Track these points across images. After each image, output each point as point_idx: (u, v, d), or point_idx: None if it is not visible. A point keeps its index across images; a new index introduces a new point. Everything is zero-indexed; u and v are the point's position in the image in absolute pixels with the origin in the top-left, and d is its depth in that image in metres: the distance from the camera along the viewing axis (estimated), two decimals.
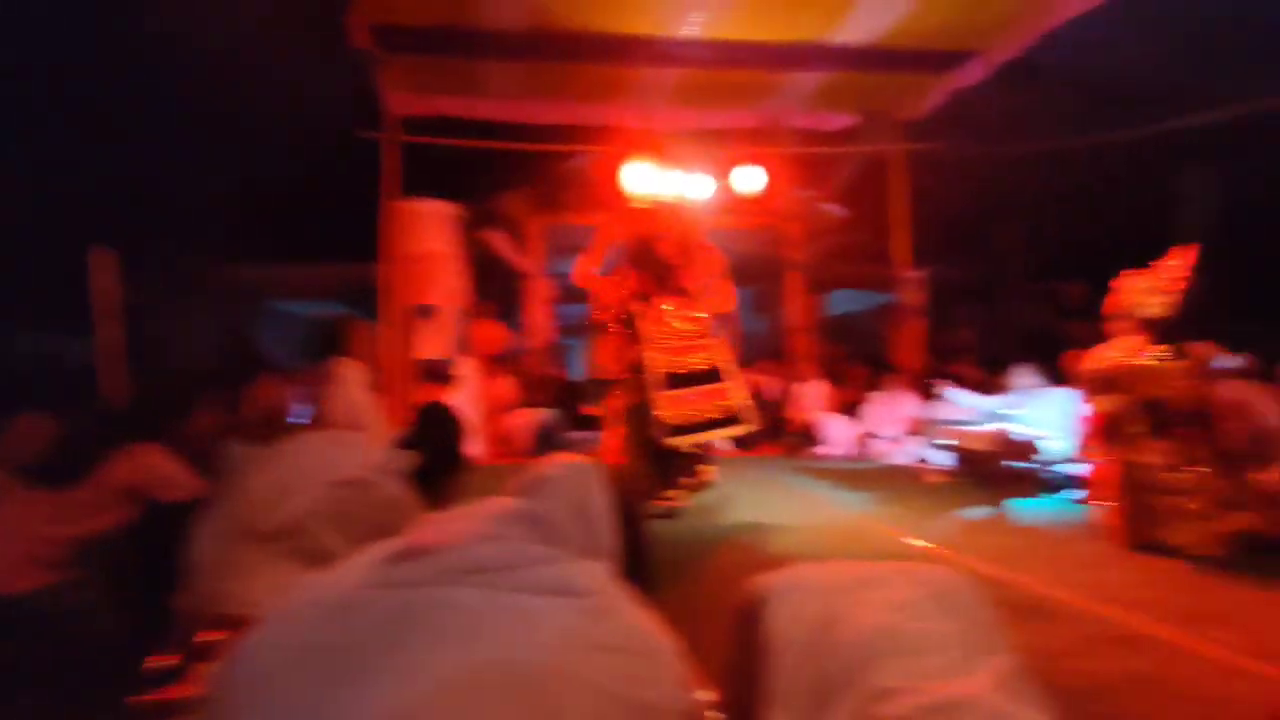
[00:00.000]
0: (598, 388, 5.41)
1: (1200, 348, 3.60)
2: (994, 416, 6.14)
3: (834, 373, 9.22)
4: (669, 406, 4.44)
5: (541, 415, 7.27)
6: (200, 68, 6.95)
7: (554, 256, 8.08)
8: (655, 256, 4.79)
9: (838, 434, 7.69)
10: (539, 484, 1.07)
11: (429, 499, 2.10)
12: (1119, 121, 7.47)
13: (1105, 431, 3.67)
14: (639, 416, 4.52)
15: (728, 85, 7.34)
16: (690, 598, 2.94)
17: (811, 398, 8.26)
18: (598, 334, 5.03)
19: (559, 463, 1.13)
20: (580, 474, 1.10)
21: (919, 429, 7.16)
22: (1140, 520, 3.50)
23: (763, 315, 12.20)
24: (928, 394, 7.46)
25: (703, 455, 4.68)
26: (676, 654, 0.91)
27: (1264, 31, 6.64)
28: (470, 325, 7.56)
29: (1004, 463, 5.39)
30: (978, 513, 4.63)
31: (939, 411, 6.95)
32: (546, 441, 6.66)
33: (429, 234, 7.01)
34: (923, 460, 6.81)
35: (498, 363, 7.70)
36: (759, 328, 12.88)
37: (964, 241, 11.17)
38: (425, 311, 6.97)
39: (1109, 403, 3.66)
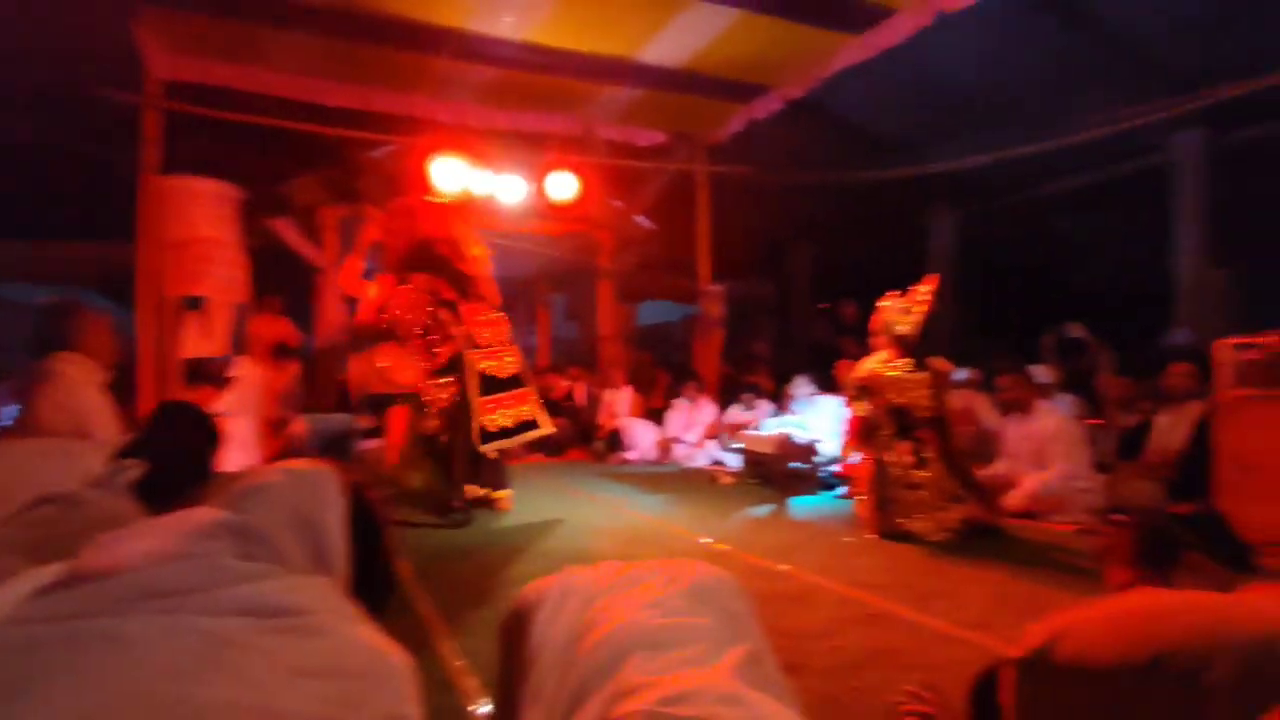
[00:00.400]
0: (377, 398, 5.13)
1: (938, 362, 4.16)
2: (780, 422, 6.69)
3: (640, 380, 9.52)
4: (486, 412, 4.52)
5: (329, 421, 6.73)
6: None
7: (350, 249, 7.53)
8: (441, 259, 4.76)
9: (642, 439, 7.94)
10: (252, 493, 0.95)
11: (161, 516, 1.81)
12: (885, 162, 8.49)
13: (861, 433, 4.14)
14: (455, 422, 4.51)
15: (542, 90, 7.32)
16: (476, 608, 2.85)
17: (619, 404, 8.46)
18: (377, 341, 4.81)
19: (281, 470, 1.02)
20: (305, 482, 0.99)
21: (716, 434, 7.62)
22: (887, 511, 3.98)
23: (574, 321, 12.35)
24: (725, 401, 7.96)
25: (505, 460, 4.78)
26: (405, 672, 0.84)
27: (999, 99, 7.91)
28: (249, 321, 6.81)
29: (787, 464, 5.87)
30: (762, 510, 4.99)
31: (734, 417, 7.44)
32: (331, 449, 6.17)
33: (200, 217, 6.19)
34: (718, 463, 7.24)
35: (281, 363, 7.01)
36: (570, 333, 13.00)
37: (761, 260, 12.13)
38: (193, 304, 6.16)
39: (863, 408, 4.12)
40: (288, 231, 6.86)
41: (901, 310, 4.18)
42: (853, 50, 6.26)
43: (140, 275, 6.07)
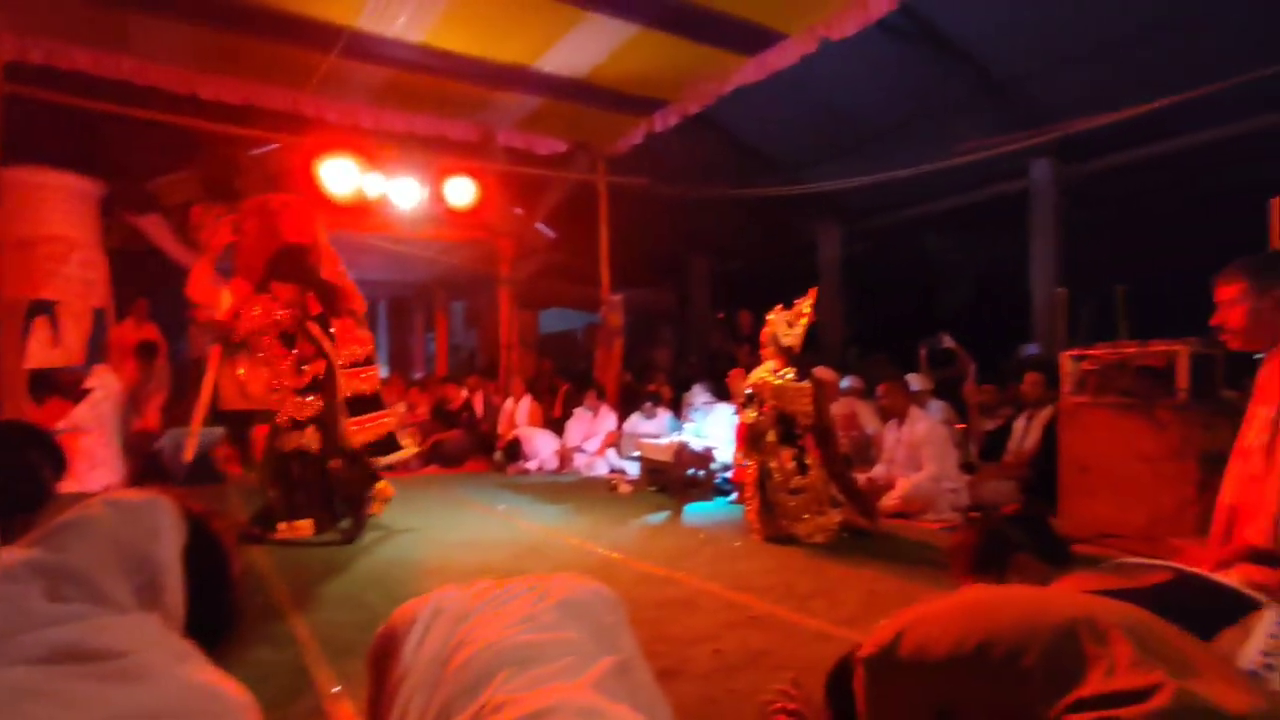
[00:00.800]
0: (235, 414, 4.84)
1: (821, 371, 4.39)
2: (678, 430, 6.82)
3: (541, 389, 9.46)
4: (354, 433, 4.40)
5: (203, 437, 6.31)
6: None
7: (228, 252, 7.08)
8: (308, 268, 4.56)
9: (542, 449, 7.88)
10: (70, 528, 0.89)
11: None
12: (777, 179, 8.86)
13: (748, 440, 4.29)
14: (325, 440, 4.34)
15: (439, 94, 7.15)
16: (358, 631, 2.75)
17: (518, 414, 8.37)
18: (235, 353, 4.61)
19: (107, 501, 0.96)
20: (132, 514, 0.93)
21: (616, 443, 7.67)
22: (772, 516, 4.15)
23: (474, 329, 12.12)
24: (626, 410, 8.04)
25: (375, 478, 4.56)
26: (242, 710, 0.80)
27: (879, 123, 8.42)
28: (110, 328, 6.29)
29: (684, 472, 5.99)
30: (657, 518, 5.07)
31: (634, 426, 7.52)
32: (197, 469, 5.77)
33: (51, 213, 5.67)
34: (618, 472, 7.29)
35: (144, 367, 6.50)
36: (470, 341, 12.76)
37: (662, 271, 12.34)
38: (42, 309, 5.62)
39: (751, 416, 4.29)
40: (157, 231, 6.38)
41: (787, 322, 4.37)
42: (746, 71, 6.50)
43: None
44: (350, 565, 3.72)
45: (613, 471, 7.37)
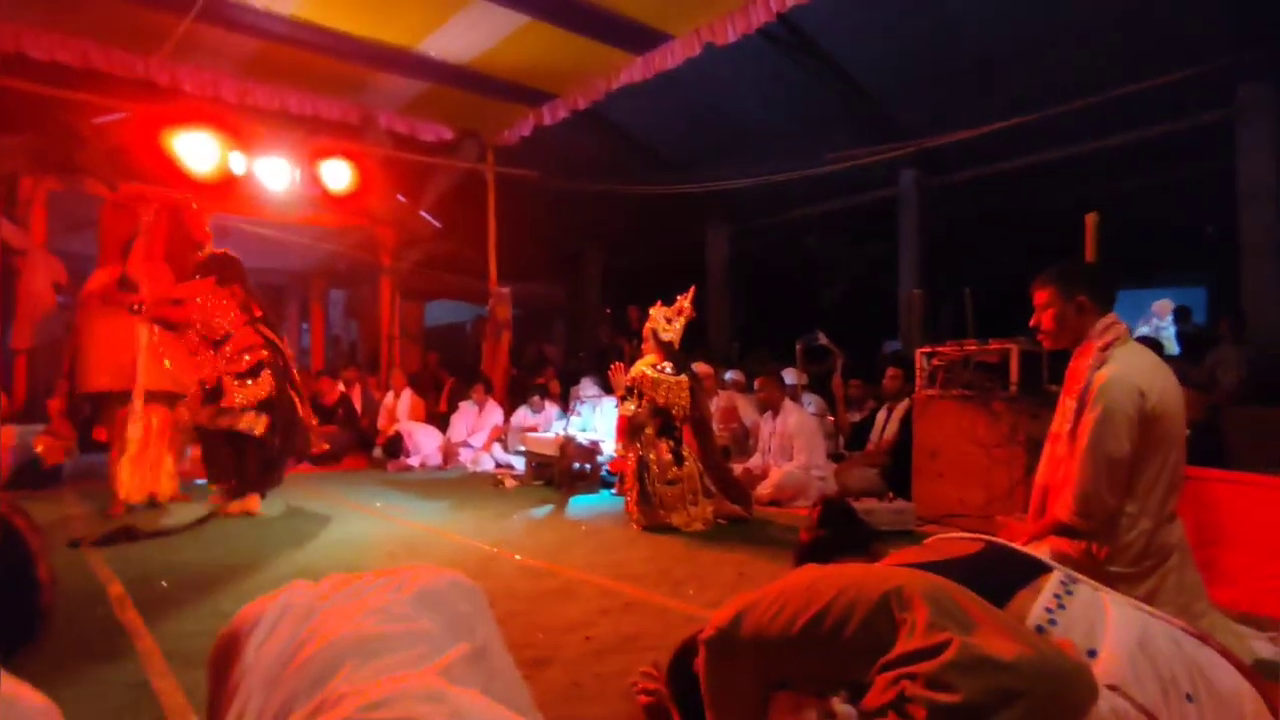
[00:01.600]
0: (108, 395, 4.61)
1: (699, 366, 4.53)
2: (564, 424, 6.83)
3: (425, 382, 9.19)
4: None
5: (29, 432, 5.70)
6: None
7: (62, 230, 6.40)
8: (241, 273, 4.92)
9: (425, 444, 7.66)
10: None
11: None
12: (666, 178, 9.03)
13: (628, 432, 4.38)
14: (274, 424, 4.70)
15: (314, 70, 6.77)
16: (208, 638, 2.59)
17: (399, 408, 8.10)
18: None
19: None
20: None
21: (502, 437, 7.57)
22: (650, 506, 4.26)
23: (353, 320, 11.59)
24: (514, 404, 7.94)
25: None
26: (40, 717, 0.76)
27: (762, 128, 8.75)
28: None
29: (570, 465, 6.00)
30: (541, 512, 5.07)
31: (521, 420, 7.45)
32: (33, 467, 5.24)
33: None
34: (503, 467, 7.21)
35: None
36: (350, 333, 12.19)
37: (554, 264, 12.27)
38: None
39: (629, 408, 4.37)
40: None
41: (666, 318, 4.48)
42: (632, 69, 6.58)
43: None
44: (207, 571, 3.47)
45: (499, 467, 7.28)
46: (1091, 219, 3.55)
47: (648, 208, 9.77)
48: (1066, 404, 2.35)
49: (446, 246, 9.23)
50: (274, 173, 7.04)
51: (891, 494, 4.06)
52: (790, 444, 4.93)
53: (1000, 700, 1.01)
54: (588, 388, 6.84)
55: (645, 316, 4.66)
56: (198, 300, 4.67)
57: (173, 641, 2.52)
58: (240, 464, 4.67)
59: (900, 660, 1.10)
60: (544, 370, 9.13)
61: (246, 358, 4.65)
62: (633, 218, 10.72)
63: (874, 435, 5.20)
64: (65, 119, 5.97)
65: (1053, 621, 1.30)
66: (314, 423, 5.31)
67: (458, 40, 6.36)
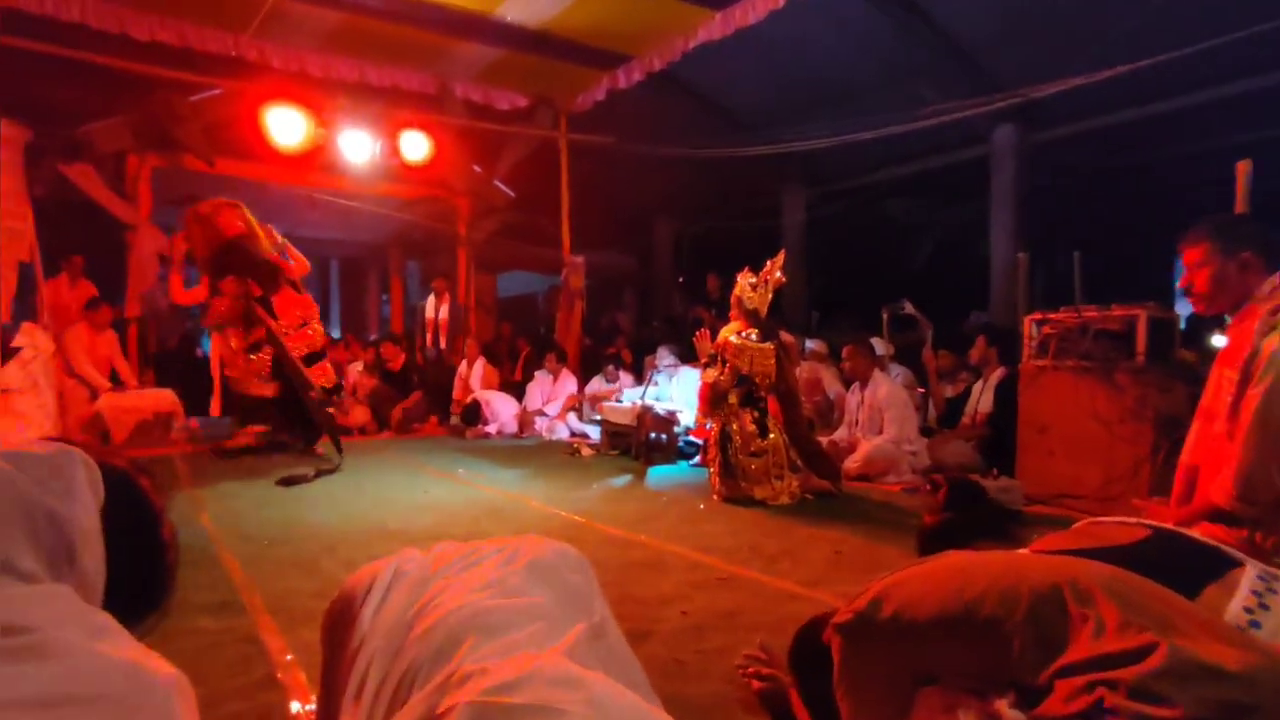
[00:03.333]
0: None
1: (786, 334, 4.35)
2: (641, 393, 6.77)
3: (500, 352, 9.29)
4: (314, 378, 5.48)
5: (158, 397, 6.06)
6: None
7: (165, 205, 6.69)
8: (254, 257, 5.48)
9: (502, 412, 7.76)
10: None
11: None
12: (742, 140, 8.73)
13: (710, 401, 4.26)
14: (285, 385, 5.45)
15: (393, 41, 6.80)
16: (311, 597, 2.65)
17: (475, 376, 8.21)
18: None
19: (6, 453, 0.83)
20: (39, 469, 0.81)
21: (577, 406, 7.59)
22: (733, 478, 4.14)
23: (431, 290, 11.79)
24: (587, 373, 7.94)
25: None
26: (170, 690, 0.71)
27: (844, 85, 8.34)
28: (42, 284, 5.90)
29: (647, 435, 5.95)
30: (620, 481, 5.03)
31: (595, 389, 7.44)
32: (165, 429, 5.60)
33: None
34: (579, 436, 7.23)
35: (95, 322, 6.17)
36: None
37: (624, 233, 12.15)
38: None
39: (712, 376, 4.25)
40: (88, 181, 5.97)
41: (752, 285, 4.31)
42: (711, 26, 6.32)
43: None
44: (304, 530, 3.59)
45: (574, 435, 7.31)
46: (1243, 167, 3.17)
47: (721, 172, 9.50)
48: (1224, 375, 2.08)
49: (520, 216, 9.24)
50: (355, 145, 7.15)
51: (996, 470, 3.81)
52: (880, 416, 4.71)
53: (1227, 716, 0.86)
54: (664, 357, 6.74)
55: (725, 284, 4.52)
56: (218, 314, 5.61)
57: (278, 599, 2.59)
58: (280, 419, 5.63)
59: (1090, 664, 0.96)
60: (616, 340, 9.08)
61: (249, 334, 5.56)
62: (705, 183, 10.46)
63: (969, 408, 4.92)
64: (165, 98, 6.20)
65: (1255, 624, 1.13)
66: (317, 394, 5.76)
67: (534, 2, 6.24)
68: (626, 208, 11.91)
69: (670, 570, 2.93)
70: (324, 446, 5.63)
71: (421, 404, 8.10)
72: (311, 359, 5.66)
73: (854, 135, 7.21)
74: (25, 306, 5.86)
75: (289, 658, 2.12)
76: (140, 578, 0.95)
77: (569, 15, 6.43)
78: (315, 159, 6.98)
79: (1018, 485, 3.78)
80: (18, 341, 5.36)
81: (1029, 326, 4.05)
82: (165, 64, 6.21)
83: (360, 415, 7.61)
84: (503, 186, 8.80)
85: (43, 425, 5.40)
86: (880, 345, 5.54)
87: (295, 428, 5.67)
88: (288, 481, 4.65)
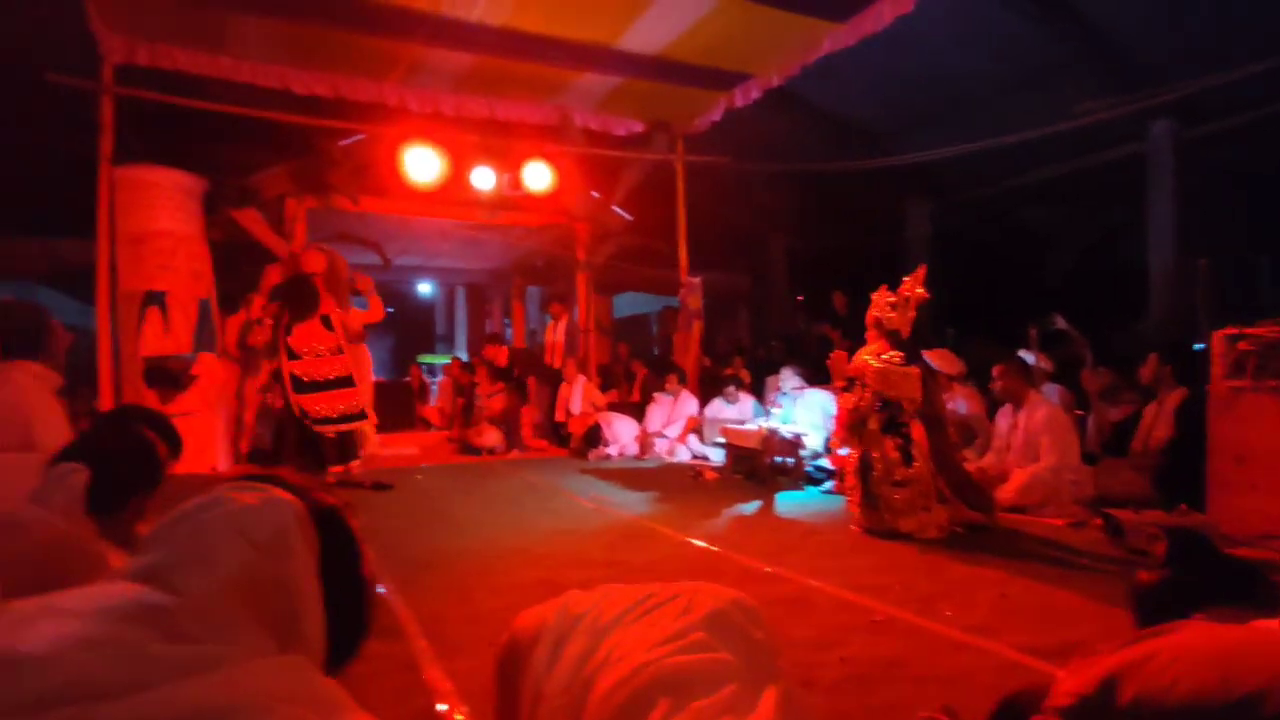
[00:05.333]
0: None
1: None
2: (763, 416, 6.61)
3: (616, 373, 9.38)
4: (306, 405, 5.65)
5: None
6: None
7: (315, 240, 7.27)
8: (307, 286, 5.79)
9: (623, 433, 7.81)
10: (183, 545, 0.76)
11: (113, 528, 1.62)
12: (861, 152, 8.43)
13: (848, 427, 4.05)
14: (284, 415, 5.70)
15: (518, 77, 7.09)
16: (464, 623, 2.70)
17: (574, 398, 8.31)
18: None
19: (223, 510, 0.82)
20: (257, 527, 0.80)
21: (697, 428, 7.52)
22: (875, 508, 3.91)
23: (547, 315, 12.13)
24: (708, 395, 7.86)
25: (350, 447, 5.84)
26: None
27: (974, 90, 7.90)
28: (224, 318, 6.54)
29: (772, 459, 5.78)
30: (748, 508, 4.90)
31: (716, 411, 7.34)
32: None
33: (161, 208, 5.91)
34: (700, 458, 7.15)
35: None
36: (544, 327, 12.77)
37: (736, 251, 12.03)
38: (154, 300, 5.88)
39: (852, 401, 4.04)
40: (256, 224, 6.58)
41: (892, 304, 4.10)
42: (837, 37, 6.15)
43: (101, 270, 5.76)
44: (449, 554, 3.70)
45: (695, 458, 7.24)
46: None
47: (837, 187, 9.21)
48: None
49: (636, 239, 9.34)
50: (483, 178, 7.49)
51: (1185, 505, 3.38)
52: (1037, 442, 4.33)
53: None
54: (789, 379, 6.55)
55: (853, 302, 4.31)
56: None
57: (431, 625, 2.65)
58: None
59: None
60: (734, 360, 8.95)
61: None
62: (820, 198, 10.19)
63: (1140, 433, 4.43)
64: (320, 145, 6.76)
65: None
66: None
67: (653, 30, 6.31)
68: (739, 226, 11.78)
69: (818, 609, 2.78)
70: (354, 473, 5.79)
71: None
72: (339, 384, 5.81)
73: (994, 141, 6.75)
74: (202, 338, 6.50)
75: (450, 686, 2.17)
76: (351, 625, 0.93)
77: (688, 39, 6.45)
78: (447, 193, 7.37)
79: (1211, 524, 3.34)
80: (196, 370, 5.96)
81: (1219, 342, 3.60)
82: (318, 114, 6.79)
83: (491, 437, 7.89)
84: (620, 211, 8.94)
85: (214, 446, 5.96)
86: (1032, 361, 5.11)
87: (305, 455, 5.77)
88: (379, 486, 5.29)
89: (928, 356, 4.12)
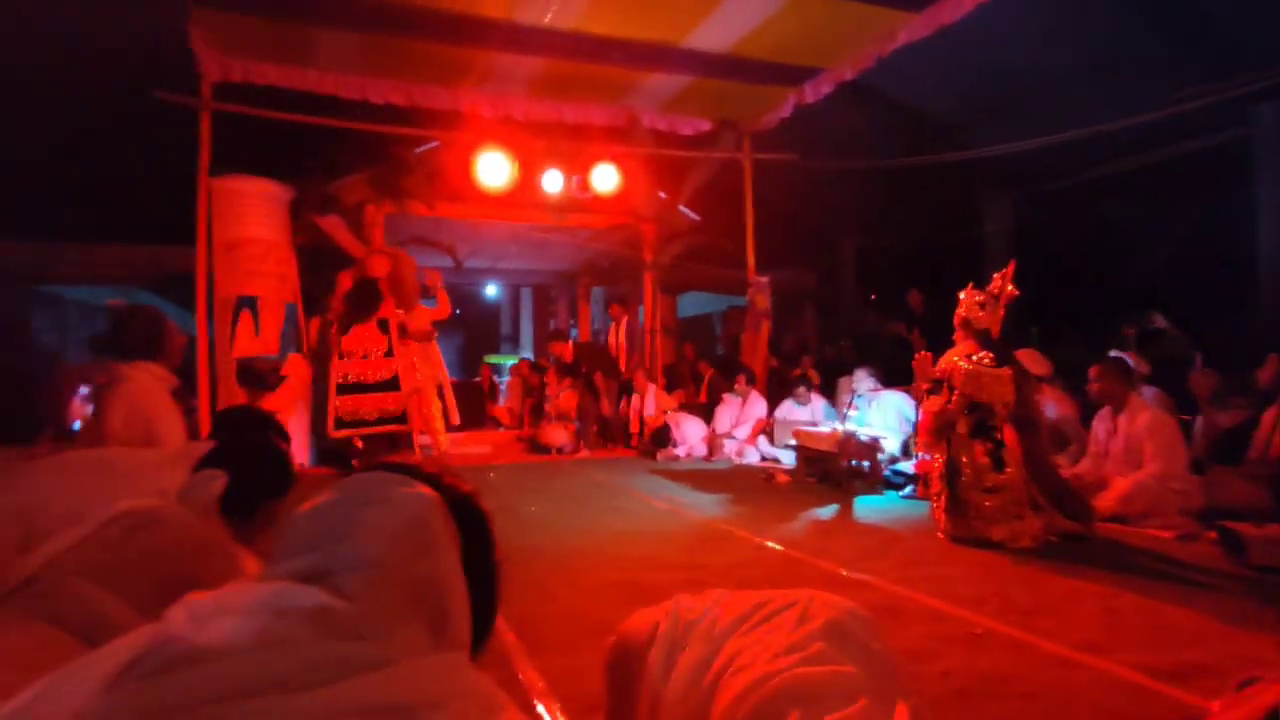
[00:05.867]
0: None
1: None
2: (837, 417, 6.47)
3: (683, 374, 9.35)
4: (340, 409, 5.88)
5: None
6: None
7: (391, 244, 7.52)
8: (371, 290, 6.05)
9: (691, 434, 7.77)
10: (344, 543, 0.77)
11: (245, 532, 1.69)
12: (935, 146, 8.15)
13: (934, 431, 3.91)
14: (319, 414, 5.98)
15: (587, 79, 7.15)
16: (553, 621, 2.73)
17: (665, 402, 8.30)
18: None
19: (370, 499, 0.78)
20: (417, 534, 0.81)
21: (767, 430, 7.41)
22: (964, 516, 3.76)
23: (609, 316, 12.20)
24: (776, 395, 7.75)
25: (400, 446, 6.04)
26: None
27: (1056, 76, 7.53)
28: (303, 321, 6.82)
29: (846, 462, 5.65)
30: (825, 512, 4.80)
31: (787, 413, 7.23)
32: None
33: (253, 217, 6.21)
34: (769, 460, 7.05)
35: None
36: (608, 327, 12.84)
37: (803, 250, 11.82)
38: (246, 303, 6.18)
39: (938, 403, 3.90)
40: (337, 230, 6.84)
41: (980, 303, 3.94)
42: (913, 27, 5.96)
43: (199, 276, 6.09)
44: (525, 550, 3.74)
45: (765, 459, 7.14)
46: None
47: (910, 182, 8.91)
48: None
49: (703, 238, 9.29)
50: (552, 181, 7.58)
51: None
52: (1139, 448, 4.08)
53: None
54: (863, 380, 6.39)
55: (928, 301, 4.16)
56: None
57: (520, 623, 2.68)
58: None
59: None
60: (802, 360, 8.80)
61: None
62: (892, 194, 9.89)
63: (1257, 441, 4.13)
64: (396, 152, 6.98)
65: None
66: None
67: (722, 27, 6.26)
68: (807, 224, 11.56)
69: (910, 619, 2.69)
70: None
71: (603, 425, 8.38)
72: (383, 386, 6.09)
73: (1089, 129, 6.40)
74: (289, 339, 6.79)
75: (543, 685, 2.19)
76: (487, 612, 0.93)
77: (758, 35, 6.37)
78: (517, 196, 7.49)
79: None
80: (285, 370, 6.23)
81: None
82: (395, 122, 7.00)
83: (560, 436, 7.96)
84: (687, 211, 8.90)
85: (298, 444, 6.22)
86: (1133, 364, 4.82)
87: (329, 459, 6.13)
88: None
89: (1018, 356, 3.94)
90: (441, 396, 6.98)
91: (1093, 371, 4.33)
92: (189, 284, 6.18)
